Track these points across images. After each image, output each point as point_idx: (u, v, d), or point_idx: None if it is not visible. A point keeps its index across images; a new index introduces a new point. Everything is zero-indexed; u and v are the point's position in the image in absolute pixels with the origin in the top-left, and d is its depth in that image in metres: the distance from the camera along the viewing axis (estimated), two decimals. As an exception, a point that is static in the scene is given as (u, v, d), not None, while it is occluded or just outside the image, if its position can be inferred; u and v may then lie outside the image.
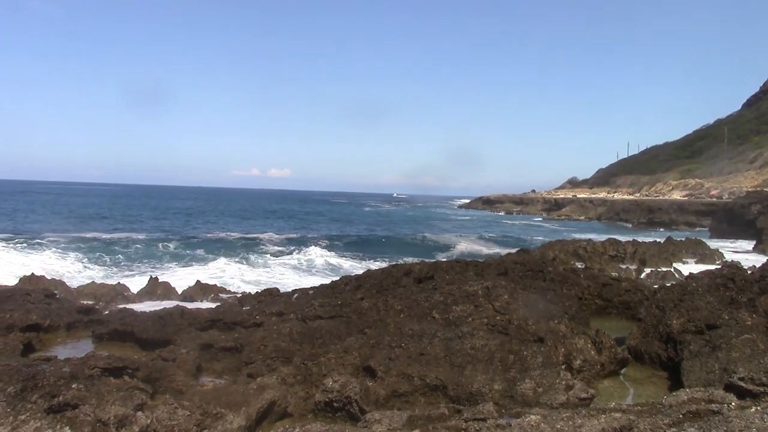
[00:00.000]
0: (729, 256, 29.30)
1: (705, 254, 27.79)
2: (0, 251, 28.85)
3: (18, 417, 5.70)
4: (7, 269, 23.71)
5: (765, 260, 12.88)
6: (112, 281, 19.52)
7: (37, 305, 11.37)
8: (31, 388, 6.27)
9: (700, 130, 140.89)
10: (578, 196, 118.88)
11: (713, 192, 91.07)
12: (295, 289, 13.84)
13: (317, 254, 34.18)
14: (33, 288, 14.09)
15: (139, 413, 6.22)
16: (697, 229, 68.92)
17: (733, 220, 55.23)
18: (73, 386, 6.36)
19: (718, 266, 12.84)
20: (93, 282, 18.95)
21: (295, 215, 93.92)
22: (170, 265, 29.88)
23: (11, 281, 18.30)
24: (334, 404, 7.35)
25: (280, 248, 38.74)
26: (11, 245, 31.46)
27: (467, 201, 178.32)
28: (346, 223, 78.48)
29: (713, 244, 35.02)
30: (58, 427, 5.64)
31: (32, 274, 18.37)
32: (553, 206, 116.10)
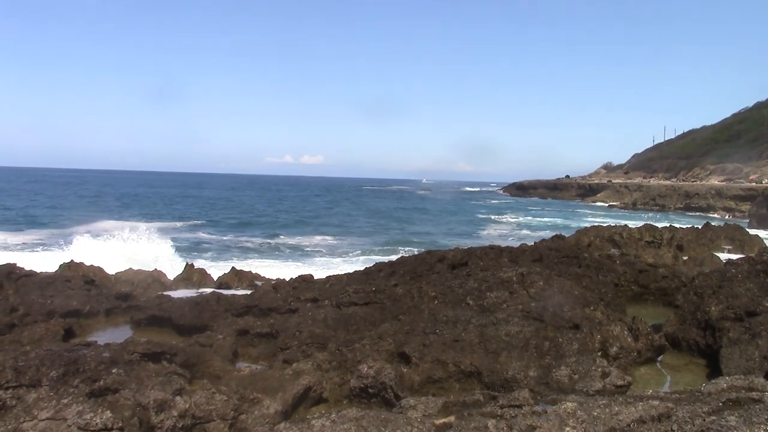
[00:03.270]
0: (769, 243, 28.72)
1: (744, 240, 27.21)
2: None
3: (60, 401, 5.83)
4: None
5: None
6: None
7: (77, 291, 11.58)
8: (73, 373, 6.40)
9: (738, 114, 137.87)
10: (613, 181, 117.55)
11: (752, 177, 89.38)
12: (329, 276, 13.89)
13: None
14: (73, 274, 14.33)
15: (178, 398, 6.32)
16: (736, 214, 67.79)
17: (773, 205, 54.14)
18: (114, 371, 6.48)
19: (758, 252, 12.60)
20: (130, 268, 19.22)
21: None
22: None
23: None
24: (369, 390, 7.39)
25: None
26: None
27: (500, 187, 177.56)
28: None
29: (753, 230, 34.39)
30: (99, 410, 5.76)
31: (72, 261, 18.69)
32: (587, 192, 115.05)
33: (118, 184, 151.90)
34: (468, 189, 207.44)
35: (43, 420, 5.61)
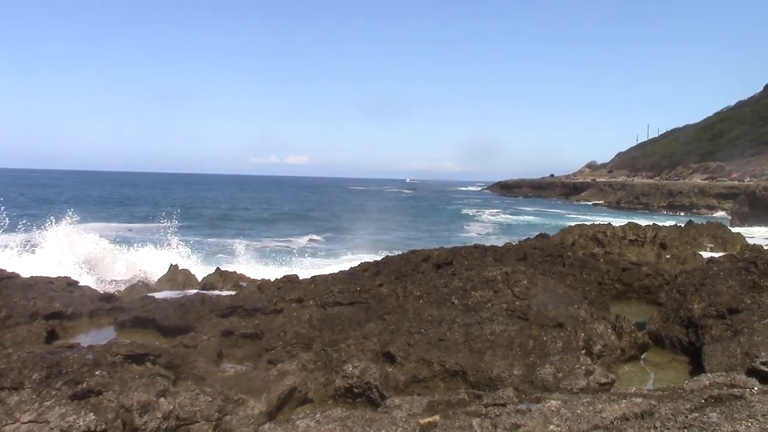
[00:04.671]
0: (751, 240, 28.90)
1: (726, 238, 27.39)
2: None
3: (43, 403, 5.77)
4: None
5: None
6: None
7: (60, 293, 11.50)
8: (56, 375, 6.35)
9: (721, 113, 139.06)
10: (597, 180, 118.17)
11: (734, 175, 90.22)
12: (314, 276, 13.87)
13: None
14: (55, 276, 14.23)
15: (162, 399, 6.29)
16: (719, 212, 68.37)
17: (755, 203, 54.68)
18: (97, 373, 6.44)
19: (740, 250, 12.71)
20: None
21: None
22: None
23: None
24: (354, 390, 7.39)
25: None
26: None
27: (486, 186, 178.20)
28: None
29: (735, 228, 34.67)
30: (82, 413, 5.71)
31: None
32: (572, 190, 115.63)
33: (102, 184, 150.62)
34: (453, 188, 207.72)
35: (26, 423, 5.56)
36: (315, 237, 43.91)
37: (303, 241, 42.31)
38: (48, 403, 5.79)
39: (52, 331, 9.84)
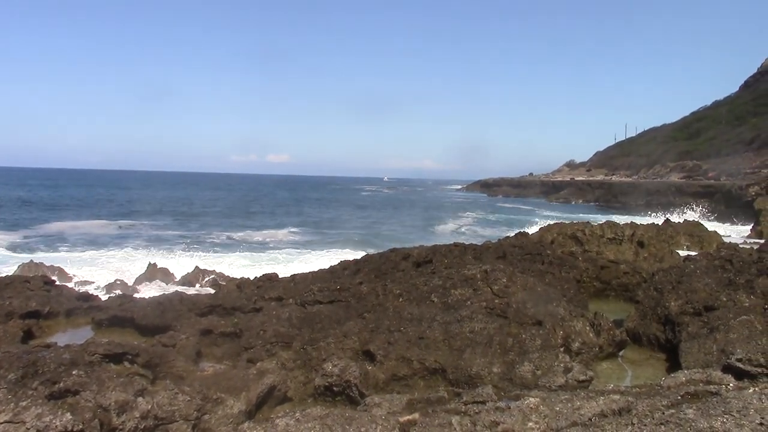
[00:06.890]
0: (727, 238, 29.22)
1: (703, 236, 27.69)
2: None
3: (19, 403, 5.71)
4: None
5: (762, 242, 12.89)
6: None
7: (37, 292, 11.37)
8: (32, 375, 6.28)
9: (698, 112, 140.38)
10: (576, 178, 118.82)
11: (711, 174, 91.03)
12: (294, 275, 13.83)
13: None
14: (32, 275, 14.08)
15: (140, 399, 6.24)
16: (695, 211, 68.97)
17: (730, 201, 55.34)
18: (74, 373, 6.37)
19: (716, 248, 12.85)
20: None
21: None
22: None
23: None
24: (334, 388, 7.38)
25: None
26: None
27: (465, 184, 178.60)
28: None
29: (711, 226, 34.99)
30: (59, 413, 5.66)
31: (31, 261, 18.37)
32: (551, 189, 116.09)
33: (82, 182, 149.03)
34: (434, 187, 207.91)
35: (1, 423, 5.50)
36: (294, 236, 43.79)
37: (281, 234, 42.26)
38: (24, 403, 5.72)
39: (28, 331, 9.73)
